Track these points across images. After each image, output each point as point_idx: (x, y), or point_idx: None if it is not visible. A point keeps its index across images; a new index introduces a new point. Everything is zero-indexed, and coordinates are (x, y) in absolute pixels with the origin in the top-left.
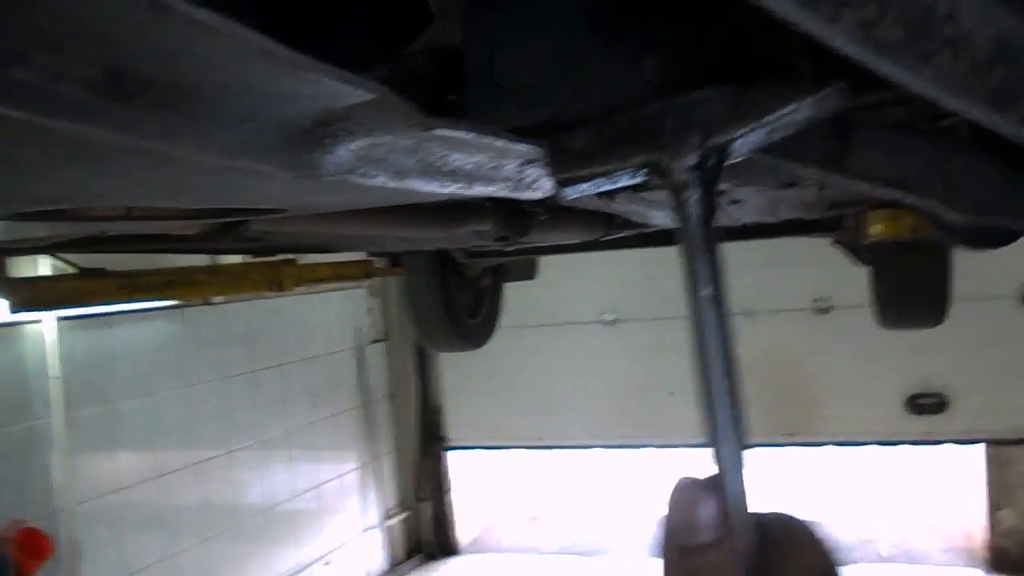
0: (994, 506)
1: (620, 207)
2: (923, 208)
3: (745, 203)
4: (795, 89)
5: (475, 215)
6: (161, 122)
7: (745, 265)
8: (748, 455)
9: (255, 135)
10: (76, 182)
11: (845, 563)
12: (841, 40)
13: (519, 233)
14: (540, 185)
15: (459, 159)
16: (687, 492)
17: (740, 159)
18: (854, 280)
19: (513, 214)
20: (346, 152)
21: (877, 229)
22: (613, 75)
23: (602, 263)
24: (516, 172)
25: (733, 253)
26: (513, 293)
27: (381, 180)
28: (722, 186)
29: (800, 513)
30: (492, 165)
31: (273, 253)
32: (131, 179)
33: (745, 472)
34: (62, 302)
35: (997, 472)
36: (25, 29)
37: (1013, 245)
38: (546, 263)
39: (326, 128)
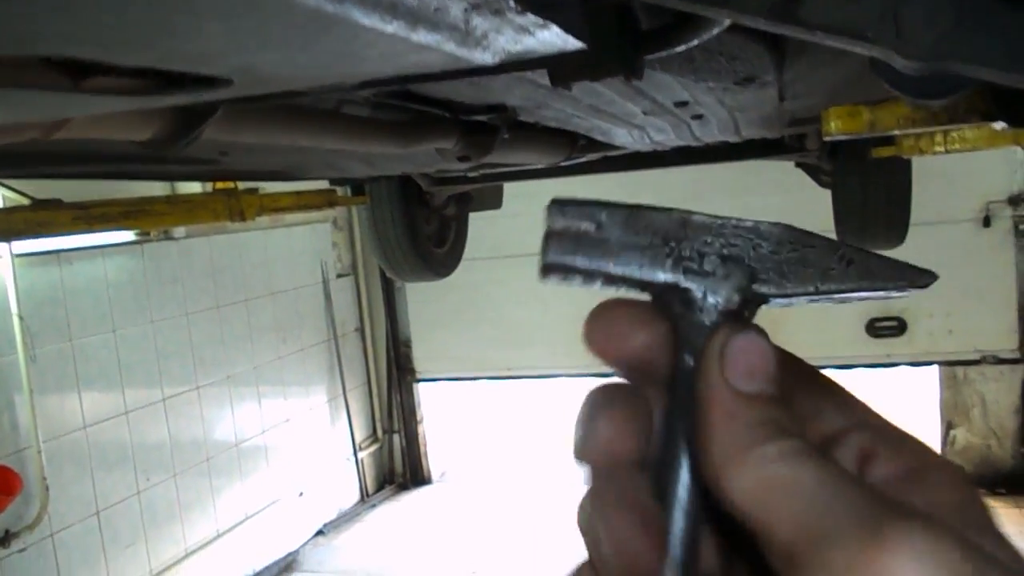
0: (948, 425)
1: (583, 122)
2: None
3: (707, 119)
4: None
5: (436, 130)
6: None
7: (710, 191)
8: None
9: None
10: None
11: None
12: None
13: (481, 152)
14: (489, 44)
15: None
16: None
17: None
18: (816, 205)
19: (475, 131)
20: None
21: (835, 125)
22: None
23: (567, 191)
24: (462, 19)
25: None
26: (479, 224)
27: (316, 0)
28: (684, 96)
29: None
30: (436, 5)
31: (233, 180)
32: None
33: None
34: (17, 233)
35: (951, 392)
36: None
37: (973, 168)
38: (511, 193)
39: None
